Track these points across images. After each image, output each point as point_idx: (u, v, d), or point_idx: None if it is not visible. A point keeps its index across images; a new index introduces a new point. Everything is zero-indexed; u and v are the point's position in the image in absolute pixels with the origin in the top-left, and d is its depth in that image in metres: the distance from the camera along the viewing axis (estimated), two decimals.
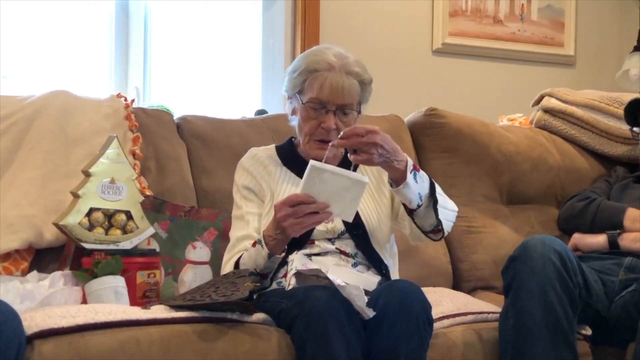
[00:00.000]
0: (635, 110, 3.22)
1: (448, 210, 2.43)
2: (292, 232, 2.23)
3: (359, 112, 2.51)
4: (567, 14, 4.60)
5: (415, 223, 2.39)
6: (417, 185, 2.30)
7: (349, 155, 2.26)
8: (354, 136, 2.21)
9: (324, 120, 2.44)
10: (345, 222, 2.45)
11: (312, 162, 2.18)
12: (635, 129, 3.24)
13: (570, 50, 4.61)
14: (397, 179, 2.28)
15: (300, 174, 2.50)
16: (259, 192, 2.52)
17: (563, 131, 3.52)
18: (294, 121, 2.57)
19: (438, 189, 2.39)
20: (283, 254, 2.34)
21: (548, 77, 4.47)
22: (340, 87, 2.42)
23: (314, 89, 2.44)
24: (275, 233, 2.27)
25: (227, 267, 2.44)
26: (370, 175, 2.53)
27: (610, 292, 2.58)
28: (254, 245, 2.33)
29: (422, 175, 2.33)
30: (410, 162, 2.30)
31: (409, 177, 2.27)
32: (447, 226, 2.44)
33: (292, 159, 2.57)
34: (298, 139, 2.58)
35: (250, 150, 2.62)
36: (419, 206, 2.33)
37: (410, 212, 2.36)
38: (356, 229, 2.46)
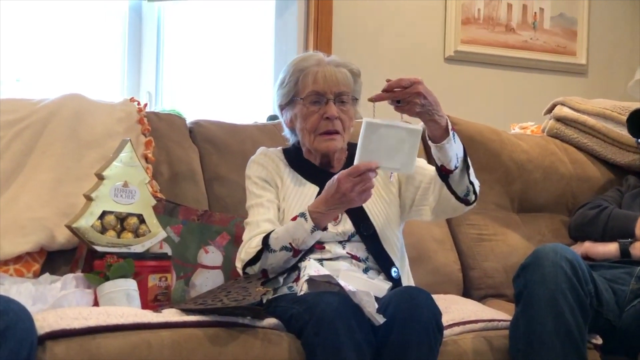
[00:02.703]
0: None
1: (475, 180, 2.44)
2: (358, 202, 2.28)
3: (356, 101, 2.54)
4: (580, 22, 4.60)
5: (450, 188, 2.37)
6: (456, 145, 2.31)
7: (392, 105, 2.26)
8: (399, 88, 2.22)
9: (326, 111, 2.47)
10: (355, 224, 2.46)
11: (366, 119, 2.20)
12: None
13: (582, 59, 4.61)
14: (437, 136, 2.29)
15: (306, 176, 2.53)
16: (273, 185, 2.54)
17: (575, 140, 3.52)
18: (291, 133, 2.62)
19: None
20: (326, 231, 2.36)
21: (560, 85, 4.47)
22: (334, 75, 2.48)
23: (308, 84, 2.49)
24: (328, 207, 2.29)
25: (251, 244, 2.41)
26: (378, 176, 2.54)
27: (621, 301, 2.57)
28: (293, 219, 2.34)
29: (458, 138, 2.34)
30: (450, 122, 2.31)
31: (451, 133, 2.28)
32: (477, 194, 2.45)
33: (299, 162, 2.59)
34: (303, 145, 2.60)
35: (260, 148, 2.64)
36: (455, 167, 2.33)
37: (447, 175, 2.35)
38: (366, 230, 2.47)
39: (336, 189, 2.26)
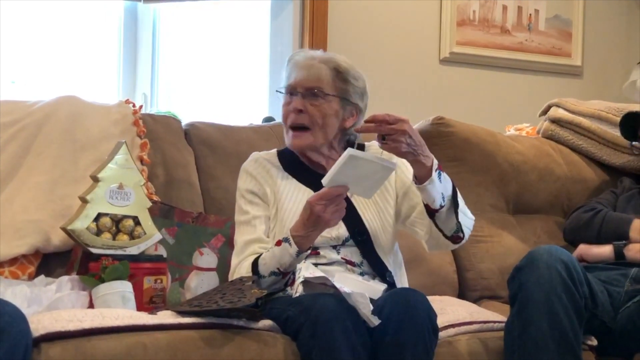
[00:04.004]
0: (634, 123, 3.23)
1: (467, 217, 2.44)
2: (333, 221, 2.28)
3: (345, 101, 2.52)
4: (575, 24, 4.60)
5: (437, 226, 2.37)
6: (441, 185, 2.30)
7: (377, 141, 2.25)
8: (384, 122, 2.21)
9: (293, 103, 2.49)
10: (349, 229, 2.46)
11: (350, 150, 2.19)
12: (635, 143, 3.26)
13: (577, 61, 4.62)
14: (422, 177, 2.27)
15: (301, 179, 2.53)
16: (263, 196, 2.53)
17: (570, 141, 3.53)
18: None
19: (458, 194, 2.40)
20: (309, 251, 2.36)
21: (555, 87, 4.47)
22: (307, 70, 2.50)
23: (287, 77, 2.53)
24: (307, 230, 2.30)
25: (241, 270, 2.42)
26: None
27: (616, 303, 2.58)
28: (278, 244, 2.34)
29: (446, 177, 2.33)
30: (436, 162, 2.30)
31: (434, 174, 2.26)
32: (466, 233, 2.44)
33: (293, 164, 2.59)
34: None
35: (252, 154, 2.64)
36: (441, 207, 2.32)
37: (433, 213, 2.35)
38: (360, 235, 2.47)
39: (310, 212, 2.27)
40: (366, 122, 2.23)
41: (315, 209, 2.25)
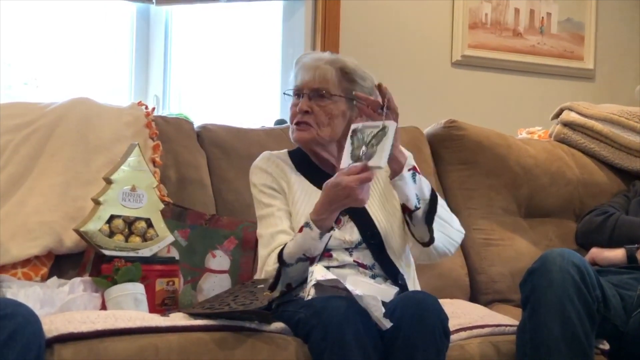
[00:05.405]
0: None
1: (453, 228, 2.46)
2: (366, 196, 2.26)
3: (353, 101, 2.52)
4: (587, 27, 4.59)
5: (409, 227, 2.41)
6: (415, 185, 2.33)
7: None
8: (384, 98, 2.26)
9: (299, 104, 2.50)
10: (361, 232, 2.46)
11: (352, 126, 2.23)
12: None
13: (589, 64, 4.60)
14: (394, 172, 2.33)
15: (312, 180, 2.53)
16: (280, 190, 2.53)
17: (582, 145, 3.52)
18: None
19: (443, 204, 2.43)
20: (332, 232, 2.34)
21: (567, 90, 4.46)
22: (312, 71, 2.50)
23: (295, 79, 2.55)
24: (331, 210, 2.28)
25: (270, 261, 2.39)
26: (382, 184, 2.55)
27: (628, 307, 2.57)
28: (300, 231, 2.33)
29: (423, 180, 2.36)
30: (411, 163, 2.35)
31: (405, 171, 2.31)
32: (451, 246, 2.48)
33: (305, 165, 2.58)
34: None
35: (263, 153, 2.63)
36: (416, 208, 2.34)
37: (410, 214, 2.37)
38: (372, 239, 2.47)
39: (342, 188, 2.23)
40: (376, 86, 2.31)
41: (347, 185, 2.22)
